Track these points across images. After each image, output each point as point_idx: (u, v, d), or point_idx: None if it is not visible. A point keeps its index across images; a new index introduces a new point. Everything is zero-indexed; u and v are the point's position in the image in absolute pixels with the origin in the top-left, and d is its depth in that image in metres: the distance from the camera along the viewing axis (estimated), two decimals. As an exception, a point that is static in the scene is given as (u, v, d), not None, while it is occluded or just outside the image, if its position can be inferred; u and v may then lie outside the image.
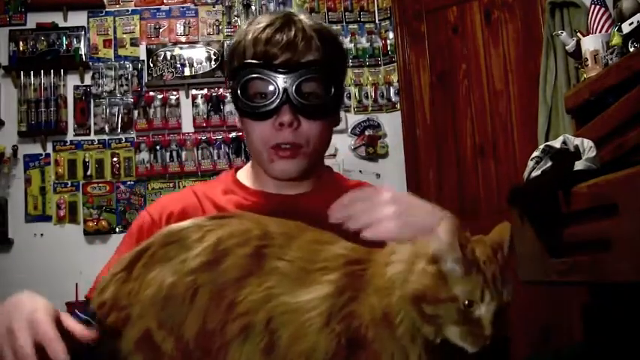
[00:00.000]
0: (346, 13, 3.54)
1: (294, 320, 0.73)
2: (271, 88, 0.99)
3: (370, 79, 3.49)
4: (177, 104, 3.43)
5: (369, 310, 0.72)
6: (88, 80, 3.42)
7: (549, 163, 1.50)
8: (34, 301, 0.78)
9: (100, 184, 3.34)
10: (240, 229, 0.80)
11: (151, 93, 3.43)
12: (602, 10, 1.87)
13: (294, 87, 0.98)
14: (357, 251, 0.79)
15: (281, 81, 0.98)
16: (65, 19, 3.45)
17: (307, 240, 0.80)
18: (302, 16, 1.04)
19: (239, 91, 1.01)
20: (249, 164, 1.15)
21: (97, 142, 3.38)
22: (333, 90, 1.02)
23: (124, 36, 3.48)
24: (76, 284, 2.95)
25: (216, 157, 3.37)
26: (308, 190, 1.09)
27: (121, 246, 1.06)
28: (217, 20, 3.52)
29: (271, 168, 1.03)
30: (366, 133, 3.42)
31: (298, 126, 1.00)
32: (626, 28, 1.64)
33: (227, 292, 0.75)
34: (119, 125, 3.39)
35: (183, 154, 3.38)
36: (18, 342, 0.74)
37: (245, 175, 1.13)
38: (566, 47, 2.02)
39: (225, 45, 3.41)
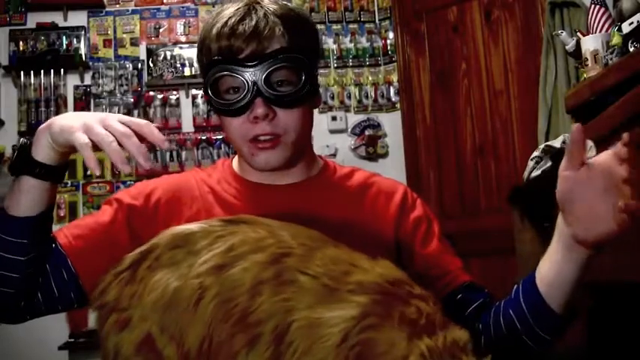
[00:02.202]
0: (346, 13, 3.54)
1: (311, 335, 0.70)
2: (240, 83, 0.97)
3: (370, 78, 3.49)
4: (178, 104, 3.43)
5: (388, 343, 0.68)
6: (88, 80, 3.42)
7: (549, 163, 1.50)
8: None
9: (100, 184, 3.34)
10: (252, 237, 0.77)
11: (151, 93, 3.42)
12: (602, 10, 1.87)
13: (262, 79, 0.95)
14: (401, 286, 0.74)
15: (249, 75, 0.96)
16: (65, 19, 3.45)
17: (332, 256, 0.76)
18: (266, 2, 1.01)
19: (210, 89, 1.00)
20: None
21: (97, 141, 3.38)
22: (304, 76, 0.99)
23: (124, 36, 3.48)
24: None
25: (216, 157, 3.36)
26: (301, 180, 1.07)
27: (102, 211, 1.03)
28: (217, 20, 3.52)
29: (254, 161, 1.01)
30: (366, 133, 3.42)
31: (274, 117, 0.98)
32: (626, 28, 1.64)
33: (238, 301, 0.73)
34: (119, 125, 3.39)
35: (183, 153, 3.38)
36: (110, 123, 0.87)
37: (238, 164, 1.11)
38: (566, 47, 2.03)
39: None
